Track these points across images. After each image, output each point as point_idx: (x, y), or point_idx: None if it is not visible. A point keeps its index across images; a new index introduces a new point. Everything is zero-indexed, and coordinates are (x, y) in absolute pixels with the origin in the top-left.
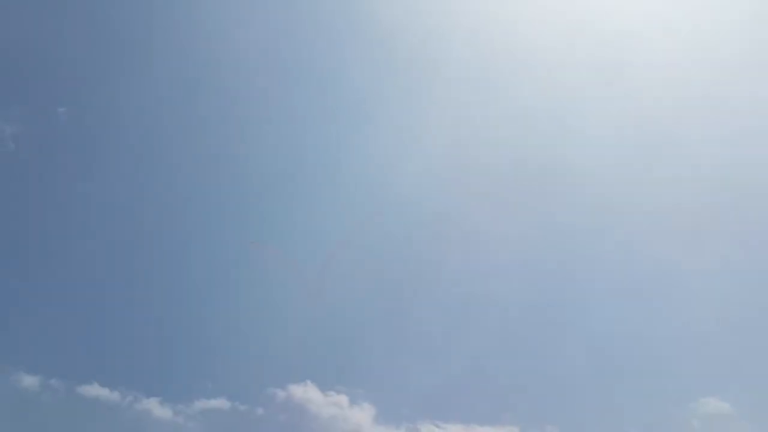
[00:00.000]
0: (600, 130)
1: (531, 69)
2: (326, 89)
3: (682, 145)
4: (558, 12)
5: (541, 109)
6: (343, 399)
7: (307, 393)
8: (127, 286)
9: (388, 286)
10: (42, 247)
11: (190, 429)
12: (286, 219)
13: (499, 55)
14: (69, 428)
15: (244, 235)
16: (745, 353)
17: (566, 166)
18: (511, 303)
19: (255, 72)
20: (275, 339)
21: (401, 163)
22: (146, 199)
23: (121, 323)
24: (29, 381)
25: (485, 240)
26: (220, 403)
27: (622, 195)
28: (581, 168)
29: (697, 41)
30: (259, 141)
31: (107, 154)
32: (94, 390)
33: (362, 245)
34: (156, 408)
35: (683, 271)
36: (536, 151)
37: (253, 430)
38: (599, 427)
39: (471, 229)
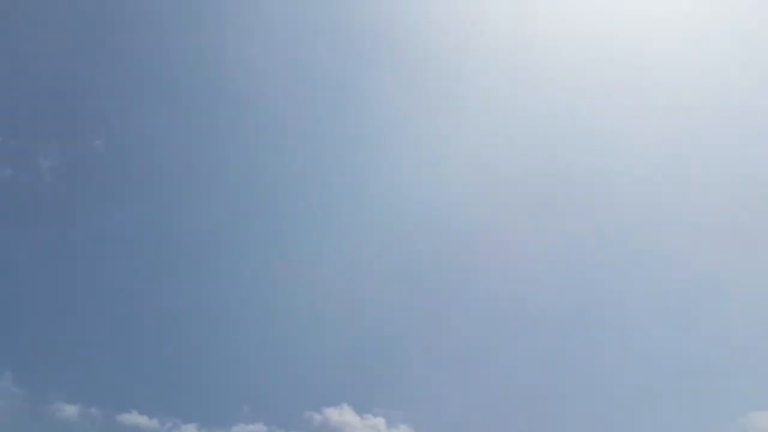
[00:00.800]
0: (631, 138)
1: (553, 78)
2: (352, 105)
3: (715, 150)
4: (577, 25)
5: (566, 118)
6: (381, 422)
7: (343, 416)
8: (163, 314)
9: (423, 305)
10: (80, 278)
11: None
12: (317, 238)
13: (520, 67)
14: None
15: (277, 257)
16: None
17: (599, 176)
18: (550, 318)
19: (280, 90)
20: (311, 362)
21: (430, 178)
22: (179, 227)
23: (158, 351)
24: (69, 410)
25: (519, 253)
26: (257, 428)
27: (662, 204)
28: (615, 177)
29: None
30: (288, 162)
31: (141, 185)
32: (133, 418)
33: (395, 264)
34: None
35: (725, 280)
36: (565, 160)
37: None
38: None
39: (504, 242)
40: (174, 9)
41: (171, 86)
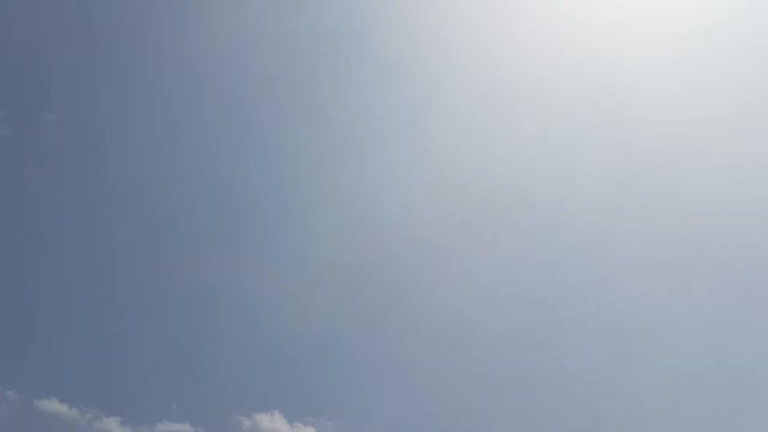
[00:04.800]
0: (597, 169)
1: (540, 84)
2: (330, 108)
3: (679, 186)
4: (564, 30)
5: (553, 125)
6: (310, 431)
7: (273, 423)
8: (97, 300)
9: (365, 318)
10: (15, 252)
11: None
12: (269, 238)
13: (504, 73)
14: None
15: (222, 253)
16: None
17: (563, 202)
18: (492, 337)
19: (256, 77)
20: (245, 365)
21: (394, 189)
22: (128, 211)
23: (85, 339)
24: None
25: (471, 272)
26: (182, 427)
27: (614, 236)
28: (577, 205)
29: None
30: (250, 152)
31: (94, 162)
32: (53, 405)
33: (342, 274)
34: (116, 428)
35: (672, 316)
36: (529, 186)
37: None
38: None
39: (459, 262)
40: None
41: (133, 61)
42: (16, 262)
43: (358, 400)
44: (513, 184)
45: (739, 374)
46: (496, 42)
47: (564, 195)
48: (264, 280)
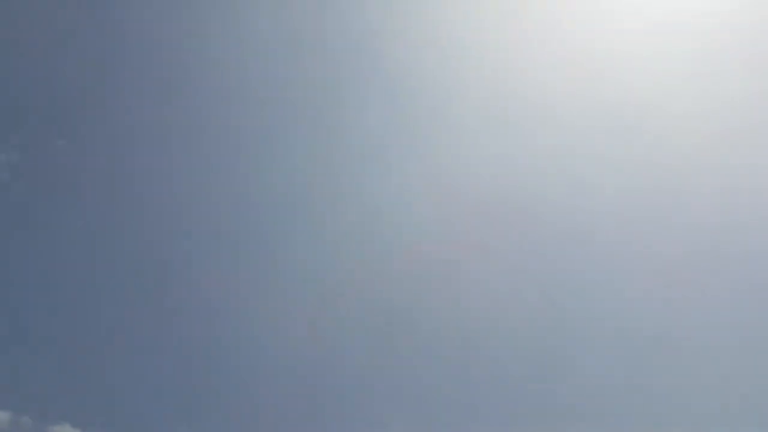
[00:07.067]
0: (610, 178)
1: (545, 87)
2: (336, 119)
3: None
4: (571, 32)
5: (558, 131)
6: None
7: None
8: (111, 327)
9: (374, 335)
10: (29, 279)
11: None
12: (277, 245)
13: (510, 76)
14: None
15: (239, 269)
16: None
17: (576, 212)
18: (506, 354)
19: (264, 86)
20: (253, 391)
21: (404, 200)
22: (140, 236)
23: (98, 364)
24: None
25: (482, 286)
26: None
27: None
28: (589, 214)
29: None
30: (258, 165)
31: (106, 187)
32: (65, 431)
33: (350, 290)
34: None
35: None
36: (543, 198)
37: None
38: None
39: (470, 274)
40: (154, 10)
41: (145, 90)
42: (30, 289)
43: (365, 422)
44: (527, 195)
45: (752, 380)
46: (508, 51)
47: (577, 204)
48: (270, 297)
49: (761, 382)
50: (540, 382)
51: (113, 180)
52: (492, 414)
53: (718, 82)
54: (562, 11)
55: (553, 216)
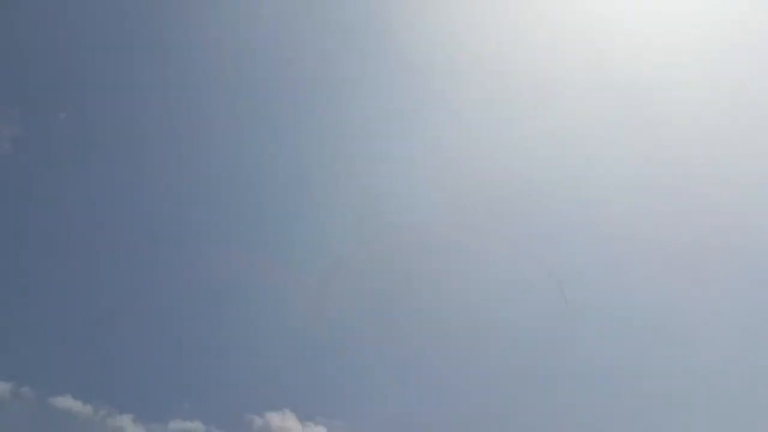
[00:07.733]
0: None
1: (552, 81)
2: (340, 105)
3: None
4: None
5: (565, 123)
6: (322, 430)
7: (284, 422)
8: (110, 298)
9: (378, 315)
10: (28, 252)
11: None
12: (287, 236)
13: (518, 69)
14: None
15: (236, 250)
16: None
17: (579, 199)
18: (507, 335)
19: (260, 74)
20: (256, 363)
21: (407, 185)
22: (140, 209)
23: (100, 337)
24: (1, 387)
25: (485, 269)
26: (194, 425)
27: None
28: (592, 201)
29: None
30: (260, 149)
31: (106, 160)
32: (67, 402)
33: (354, 271)
34: (129, 425)
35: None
36: (546, 183)
37: None
38: None
39: (473, 258)
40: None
41: (144, 63)
42: (30, 261)
43: (369, 399)
44: (529, 180)
45: (755, 373)
46: (512, 39)
47: (581, 192)
48: (276, 278)
49: (763, 374)
50: (544, 368)
51: (114, 153)
52: (493, 394)
53: (721, 77)
54: (566, 4)
55: (555, 203)
